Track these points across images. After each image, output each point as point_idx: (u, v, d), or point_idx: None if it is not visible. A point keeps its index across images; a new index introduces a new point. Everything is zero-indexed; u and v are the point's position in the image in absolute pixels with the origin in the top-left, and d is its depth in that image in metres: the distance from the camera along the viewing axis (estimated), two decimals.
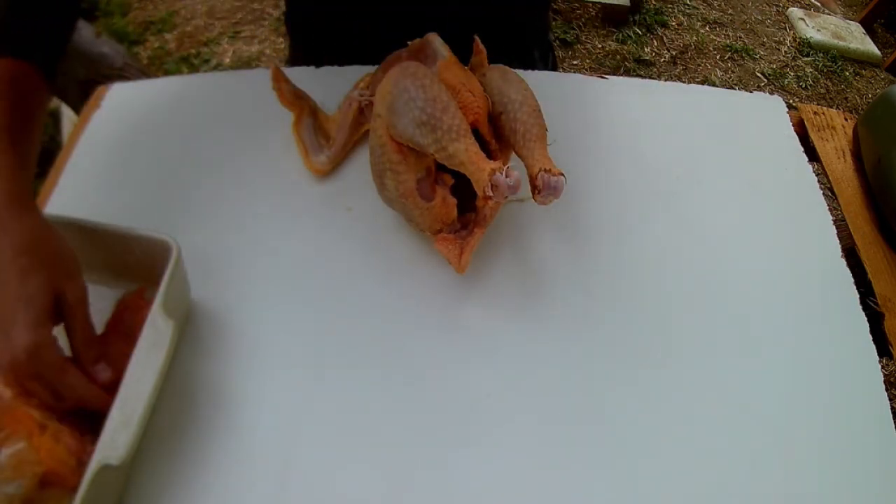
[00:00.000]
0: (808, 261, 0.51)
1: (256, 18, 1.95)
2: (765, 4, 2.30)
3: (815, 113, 0.64)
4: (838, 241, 0.52)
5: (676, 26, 2.14)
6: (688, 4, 2.23)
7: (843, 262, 0.51)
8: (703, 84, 1.79)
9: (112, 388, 0.35)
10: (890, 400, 0.44)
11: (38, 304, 0.34)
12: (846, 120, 0.65)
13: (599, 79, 0.62)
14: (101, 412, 0.34)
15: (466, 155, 0.40)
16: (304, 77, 0.56)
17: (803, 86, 2.01)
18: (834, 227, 0.53)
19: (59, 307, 0.36)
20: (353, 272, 0.47)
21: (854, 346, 0.47)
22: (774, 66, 2.05)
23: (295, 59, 0.72)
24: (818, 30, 2.17)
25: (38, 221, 0.37)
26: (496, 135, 0.47)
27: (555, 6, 2.09)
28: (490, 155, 0.45)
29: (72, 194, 0.50)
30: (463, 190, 0.46)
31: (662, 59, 2.01)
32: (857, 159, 0.61)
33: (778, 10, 2.29)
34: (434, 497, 0.39)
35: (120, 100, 0.57)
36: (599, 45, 2.01)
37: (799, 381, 0.45)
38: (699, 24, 2.16)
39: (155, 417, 0.39)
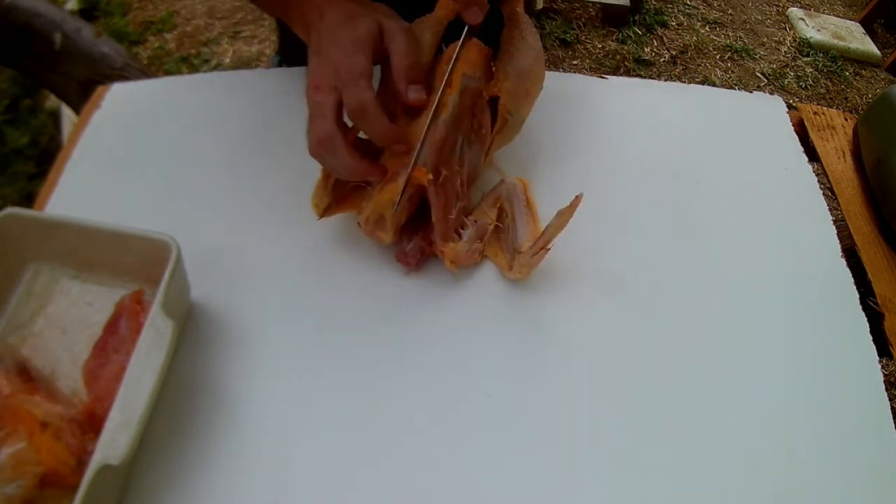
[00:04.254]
0: (808, 261, 0.51)
1: (256, 18, 1.95)
2: (765, 4, 2.31)
3: (815, 113, 0.64)
4: (838, 241, 0.52)
5: (676, 26, 2.14)
6: (688, 4, 2.23)
7: (843, 262, 0.51)
8: (703, 84, 1.80)
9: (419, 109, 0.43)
10: (890, 400, 0.44)
11: (361, 30, 0.41)
12: (846, 120, 0.65)
13: (599, 79, 0.62)
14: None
15: None
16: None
17: (803, 86, 2.01)
18: (834, 227, 0.53)
19: (383, 38, 0.42)
20: (354, 271, 0.47)
21: (854, 346, 0.47)
22: (774, 66, 2.05)
23: (284, 51, 0.72)
24: (818, 30, 2.17)
25: None
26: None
27: (555, 6, 2.09)
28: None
29: (72, 194, 0.50)
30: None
31: (662, 59, 2.01)
32: (857, 159, 0.61)
33: (778, 10, 2.29)
34: (434, 498, 0.39)
35: (120, 100, 0.57)
36: (599, 45, 2.01)
37: (799, 381, 0.45)
38: (699, 24, 2.16)
39: (155, 417, 0.39)
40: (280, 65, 0.72)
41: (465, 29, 0.45)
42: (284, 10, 0.49)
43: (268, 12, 0.55)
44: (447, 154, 0.44)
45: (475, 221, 0.47)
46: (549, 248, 0.44)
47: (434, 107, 0.43)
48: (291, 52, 0.68)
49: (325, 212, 0.46)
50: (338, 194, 0.46)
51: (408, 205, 0.44)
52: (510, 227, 0.48)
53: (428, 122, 0.43)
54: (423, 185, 0.42)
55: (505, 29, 0.48)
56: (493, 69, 0.48)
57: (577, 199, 0.41)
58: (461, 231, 0.46)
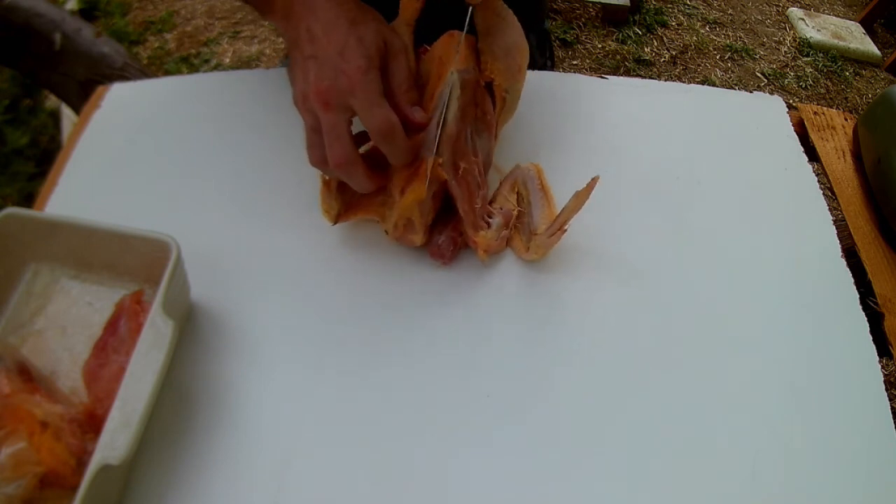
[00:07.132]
0: (808, 261, 0.51)
1: (256, 18, 1.95)
2: (765, 4, 2.31)
3: (815, 113, 0.64)
4: (838, 241, 0.52)
5: (676, 26, 2.14)
6: (688, 4, 2.23)
7: (843, 262, 0.51)
8: (703, 84, 1.80)
9: (421, 128, 0.42)
10: (890, 400, 0.44)
11: (369, 43, 0.39)
12: (846, 120, 0.65)
13: (599, 79, 0.62)
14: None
15: None
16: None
17: (803, 86, 2.01)
18: (834, 227, 0.53)
19: (384, 53, 0.41)
20: (354, 271, 0.47)
21: (854, 346, 0.47)
22: (774, 66, 2.05)
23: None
24: (818, 30, 2.17)
25: None
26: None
27: (555, 6, 2.09)
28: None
29: (72, 194, 0.50)
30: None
31: (662, 59, 2.01)
32: (857, 159, 0.61)
33: (778, 10, 2.29)
34: (434, 497, 0.39)
35: (120, 100, 0.57)
36: (599, 45, 2.01)
37: (799, 381, 0.45)
38: (699, 24, 2.16)
39: (155, 417, 0.39)
40: None
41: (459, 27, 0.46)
42: None
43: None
44: (462, 147, 0.45)
45: (500, 209, 0.48)
46: (566, 230, 0.44)
47: (440, 108, 0.44)
48: None
49: (337, 217, 0.46)
50: (345, 197, 0.46)
51: (433, 202, 0.45)
52: (526, 210, 0.49)
53: (440, 119, 0.43)
54: (444, 179, 0.43)
55: (479, 12, 0.48)
56: (480, 54, 0.49)
57: (594, 180, 0.41)
58: (488, 220, 0.47)
